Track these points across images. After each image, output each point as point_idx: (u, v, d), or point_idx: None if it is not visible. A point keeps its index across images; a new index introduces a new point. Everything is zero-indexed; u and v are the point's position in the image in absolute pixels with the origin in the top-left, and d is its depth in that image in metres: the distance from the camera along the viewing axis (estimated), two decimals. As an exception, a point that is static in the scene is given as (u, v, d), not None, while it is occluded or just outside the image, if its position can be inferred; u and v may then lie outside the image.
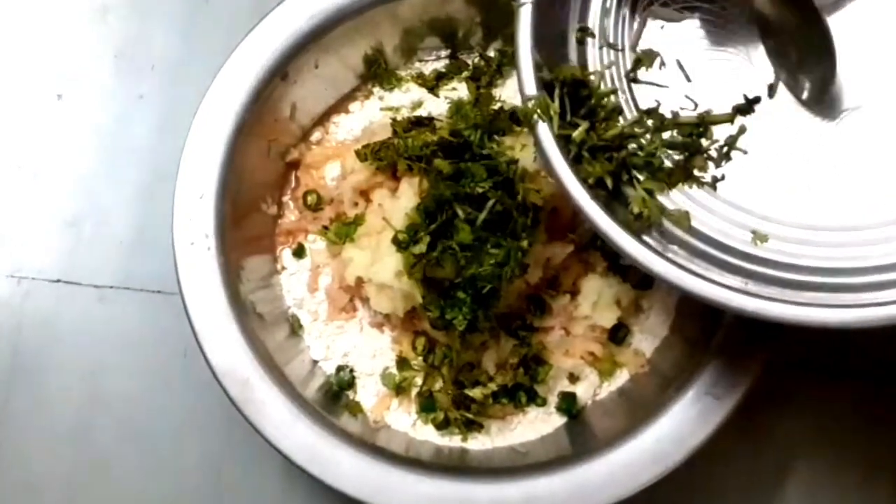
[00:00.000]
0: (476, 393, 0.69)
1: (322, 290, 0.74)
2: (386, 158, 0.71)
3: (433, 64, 0.78)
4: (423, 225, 0.65)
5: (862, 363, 0.74)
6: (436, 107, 0.77)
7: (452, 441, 0.70)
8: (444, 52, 0.78)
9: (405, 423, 0.71)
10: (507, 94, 0.76)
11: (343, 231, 0.73)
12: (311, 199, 0.74)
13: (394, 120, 0.74)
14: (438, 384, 0.70)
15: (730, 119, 0.60)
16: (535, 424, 0.71)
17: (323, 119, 0.77)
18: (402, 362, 0.72)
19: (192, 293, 0.66)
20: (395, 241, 0.67)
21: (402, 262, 0.66)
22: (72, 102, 0.82)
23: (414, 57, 0.78)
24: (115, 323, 0.77)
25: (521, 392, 0.70)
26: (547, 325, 0.70)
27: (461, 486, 0.63)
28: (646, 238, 0.56)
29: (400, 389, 0.71)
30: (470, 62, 0.77)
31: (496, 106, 0.74)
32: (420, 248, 0.65)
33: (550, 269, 0.69)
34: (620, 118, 0.61)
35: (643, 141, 0.60)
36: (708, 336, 0.65)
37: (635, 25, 0.62)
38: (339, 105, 0.77)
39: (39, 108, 0.82)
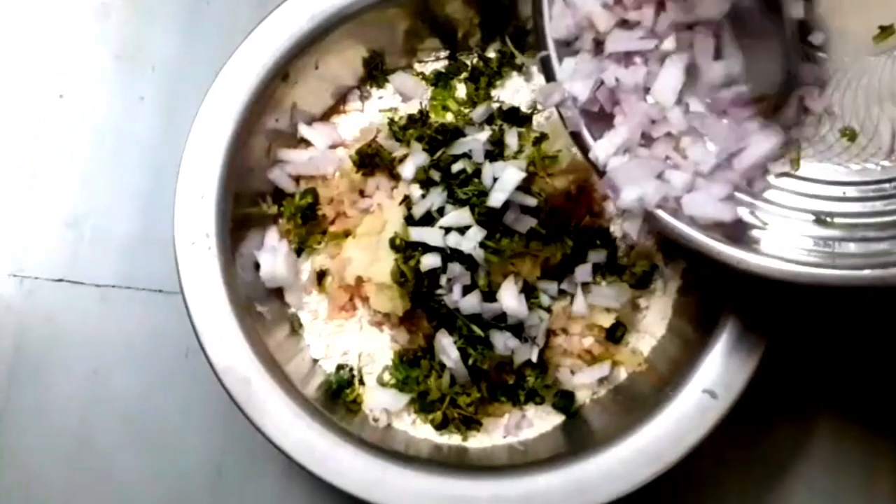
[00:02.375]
0: (462, 400, 0.69)
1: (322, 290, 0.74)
2: (379, 162, 0.72)
3: (433, 64, 0.78)
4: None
5: (862, 362, 0.75)
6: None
7: (452, 439, 0.71)
8: (443, 53, 0.78)
9: (405, 421, 0.71)
10: (507, 94, 0.76)
11: (342, 231, 0.73)
12: (310, 198, 0.75)
13: (391, 120, 0.74)
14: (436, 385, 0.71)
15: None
16: (534, 422, 0.71)
17: (323, 119, 0.77)
18: (401, 361, 0.72)
19: (193, 292, 0.66)
20: (392, 243, 0.67)
21: (399, 262, 0.67)
22: (73, 102, 0.82)
23: (414, 57, 0.78)
24: (116, 322, 0.78)
25: (520, 390, 0.71)
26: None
27: (461, 484, 0.63)
28: None
29: (399, 388, 0.71)
30: (469, 63, 0.77)
31: (495, 106, 0.75)
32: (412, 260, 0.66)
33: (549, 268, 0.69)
34: None
35: None
36: (705, 335, 0.65)
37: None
38: (339, 105, 0.78)
39: (40, 108, 0.82)
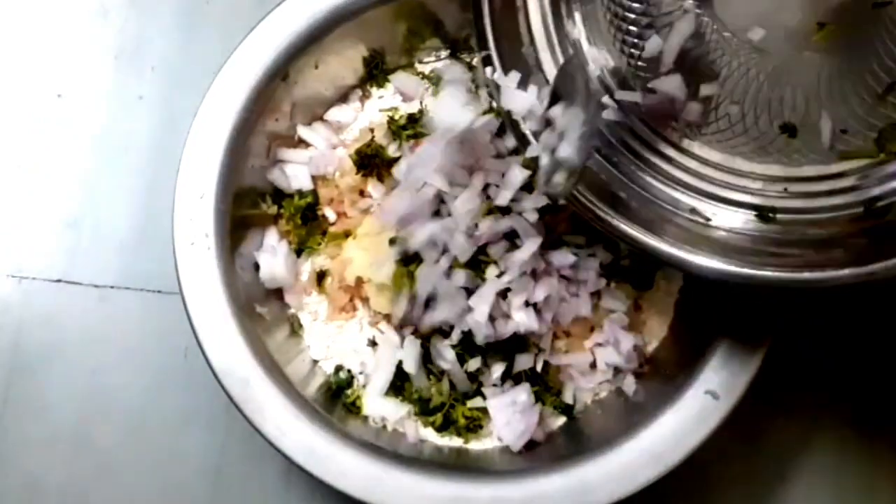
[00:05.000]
0: (458, 414, 0.69)
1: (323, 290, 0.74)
2: (378, 162, 0.72)
3: (433, 64, 0.78)
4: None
5: (864, 363, 0.74)
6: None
7: (452, 441, 0.70)
8: (444, 53, 0.78)
9: (405, 423, 0.71)
10: (507, 94, 0.76)
11: (342, 232, 0.73)
12: (310, 198, 0.74)
13: (391, 119, 0.74)
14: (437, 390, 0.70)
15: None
16: (535, 424, 0.71)
17: (323, 119, 0.77)
18: (401, 363, 0.72)
19: (193, 293, 0.66)
20: (392, 243, 0.67)
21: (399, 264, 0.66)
22: (72, 102, 0.82)
23: (414, 57, 0.78)
24: (115, 323, 0.77)
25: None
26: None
27: (461, 486, 0.63)
28: None
29: (399, 389, 0.71)
30: (470, 62, 0.77)
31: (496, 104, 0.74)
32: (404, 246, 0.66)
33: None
34: None
35: None
36: (707, 336, 0.65)
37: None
38: (340, 105, 0.77)
39: (39, 108, 0.82)
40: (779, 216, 0.57)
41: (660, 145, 0.61)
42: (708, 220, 0.59)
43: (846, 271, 0.51)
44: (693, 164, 0.60)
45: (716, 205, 0.59)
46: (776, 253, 0.56)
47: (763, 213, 0.58)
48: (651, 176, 0.61)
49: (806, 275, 0.52)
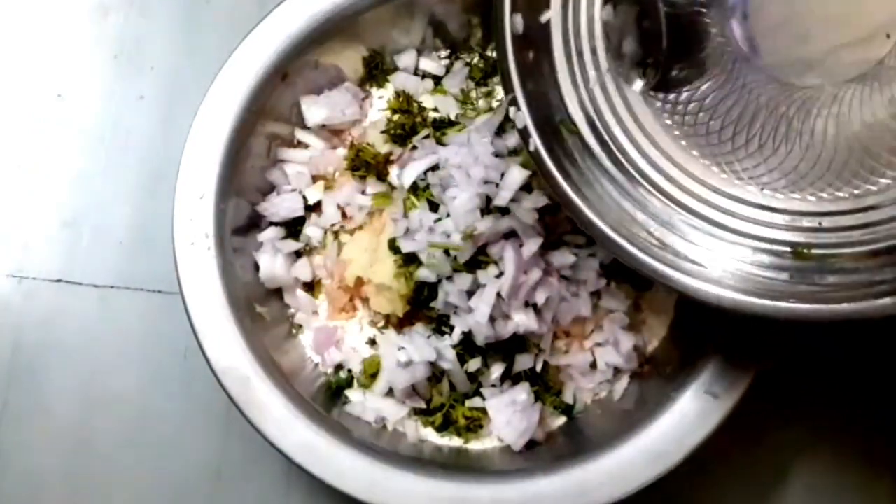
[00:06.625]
0: (458, 414, 0.69)
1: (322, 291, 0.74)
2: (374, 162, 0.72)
3: (434, 63, 0.78)
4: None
5: (861, 363, 0.74)
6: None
7: (452, 441, 0.70)
8: (444, 52, 0.78)
9: (405, 422, 0.71)
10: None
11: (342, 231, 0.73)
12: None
13: (391, 113, 0.74)
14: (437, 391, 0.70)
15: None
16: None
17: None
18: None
19: (193, 293, 0.66)
20: (391, 245, 0.67)
21: (398, 264, 0.66)
22: (72, 102, 0.82)
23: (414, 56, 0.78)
24: (115, 323, 0.77)
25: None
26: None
27: (461, 486, 0.63)
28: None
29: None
30: (470, 62, 0.77)
31: (495, 104, 0.75)
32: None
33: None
34: None
35: None
36: (707, 335, 0.65)
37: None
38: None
39: (39, 108, 0.82)
40: (814, 251, 0.57)
41: (695, 187, 0.61)
42: (743, 259, 0.58)
43: (887, 300, 0.50)
44: (730, 205, 0.60)
45: (747, 241, 0.59)
46: (810, 290, 0.55)
47: (797, 249, 0.57)
48: (689, 221, 0.61)
49: (845, 307, 0.51)
